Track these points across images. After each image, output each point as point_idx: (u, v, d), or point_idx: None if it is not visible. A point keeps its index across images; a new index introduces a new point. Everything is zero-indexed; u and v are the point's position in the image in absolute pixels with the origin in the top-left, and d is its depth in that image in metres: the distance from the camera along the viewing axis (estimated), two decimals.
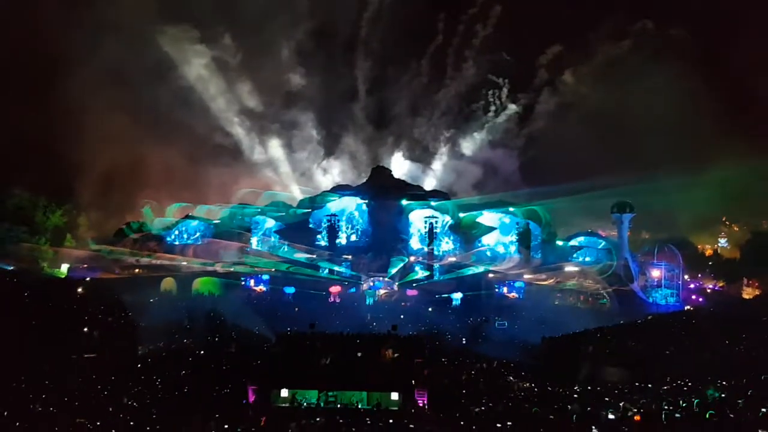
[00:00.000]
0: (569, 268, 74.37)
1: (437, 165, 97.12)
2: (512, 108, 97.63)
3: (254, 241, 79.66)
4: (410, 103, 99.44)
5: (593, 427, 15.41)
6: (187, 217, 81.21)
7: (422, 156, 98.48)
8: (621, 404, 23.15)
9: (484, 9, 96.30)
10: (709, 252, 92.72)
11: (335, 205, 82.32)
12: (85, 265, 71.28)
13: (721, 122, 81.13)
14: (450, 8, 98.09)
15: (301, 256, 75.25)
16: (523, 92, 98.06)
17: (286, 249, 77.38)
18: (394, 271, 71.64)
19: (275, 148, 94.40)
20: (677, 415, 17.71)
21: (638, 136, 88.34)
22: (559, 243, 79.77)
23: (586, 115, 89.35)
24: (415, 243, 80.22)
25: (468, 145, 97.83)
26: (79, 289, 57.65)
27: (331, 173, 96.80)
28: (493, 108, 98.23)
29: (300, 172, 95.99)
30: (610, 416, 18.13)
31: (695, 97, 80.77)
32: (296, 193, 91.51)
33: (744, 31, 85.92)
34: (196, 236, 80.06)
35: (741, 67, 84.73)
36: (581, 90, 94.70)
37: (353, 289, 69.83)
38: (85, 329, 47.49)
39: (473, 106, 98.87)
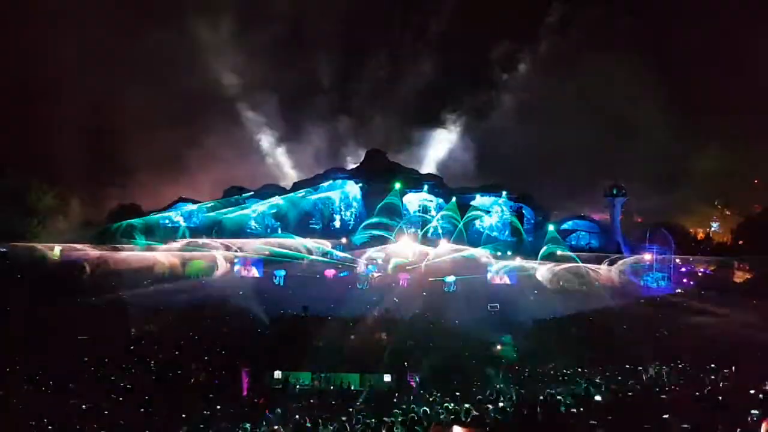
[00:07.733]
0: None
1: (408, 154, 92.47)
2: (478, 98, 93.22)
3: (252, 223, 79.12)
4: (375, 94, 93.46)
5: (580, 409, 15.66)
6: (181, 199, 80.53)
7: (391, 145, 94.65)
8: (609, 387, 23.49)
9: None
10: (701, 236, 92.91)
11: (329, 188, 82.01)
12: (79, 247, 70.97)
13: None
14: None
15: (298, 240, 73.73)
16: (484, 85, 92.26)
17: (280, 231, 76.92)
18: (382, 248, 71.33)
19: (246, 135, 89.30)
20: (663, 396, 18.05)
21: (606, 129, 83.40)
22: (551, 227, 79.82)
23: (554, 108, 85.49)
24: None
25: (440, 135, 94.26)
26: (73, 272, 57.76)
27: (301, 160, 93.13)
28: (459, 101, 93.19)
29: (270, 157, 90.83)
30: (597, 398, 18.43)
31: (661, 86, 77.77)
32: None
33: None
34: (190, 219, 79.67)
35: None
36: (542, 82, 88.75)
37: (345, 273, 69.96)
38: (78, 311, 47.67)
39: (440, 97, 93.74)
